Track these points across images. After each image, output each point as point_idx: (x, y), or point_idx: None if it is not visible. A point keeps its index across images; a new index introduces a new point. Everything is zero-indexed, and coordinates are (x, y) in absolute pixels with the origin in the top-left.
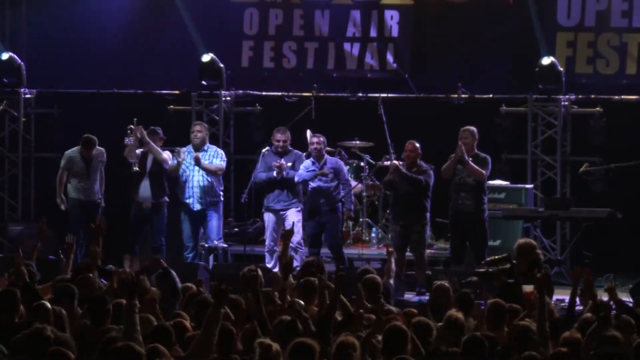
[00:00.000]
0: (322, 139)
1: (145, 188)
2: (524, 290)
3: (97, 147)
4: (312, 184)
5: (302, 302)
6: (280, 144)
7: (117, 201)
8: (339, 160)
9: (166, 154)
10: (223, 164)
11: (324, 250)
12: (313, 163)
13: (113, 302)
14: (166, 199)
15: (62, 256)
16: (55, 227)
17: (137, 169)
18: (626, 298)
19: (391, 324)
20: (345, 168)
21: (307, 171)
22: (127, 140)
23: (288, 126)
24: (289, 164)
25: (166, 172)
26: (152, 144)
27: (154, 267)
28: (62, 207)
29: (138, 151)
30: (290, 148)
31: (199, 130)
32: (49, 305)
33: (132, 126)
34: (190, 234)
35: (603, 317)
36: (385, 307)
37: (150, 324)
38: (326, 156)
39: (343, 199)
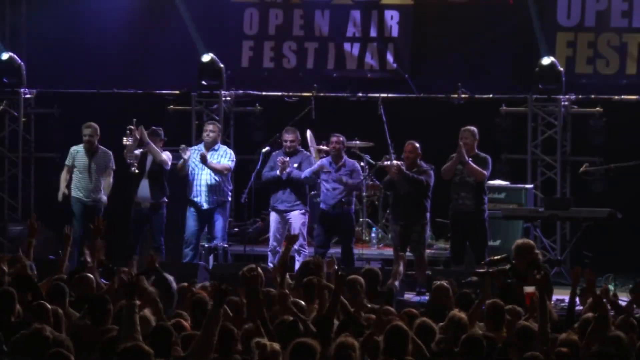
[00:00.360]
0: (341, 138)
1: (144, 188)
2: (526, 291)
3: (104, 147)
4: (326, 185)
5: (302, 303)
6: (288, 144)
7: (117, 201)
8: (356, 163)
9: (165, 155)
10: (231, 164)
11: (330, 251)
12: (330, 163)
13: (115, 303)
14: (165, 199)
15: (60, 251)
16: (56, 227)
17: (135, 169)
18: (626, 298)
19: (392, 324)
20: (362, 175)
21: (323, 171)
22: (125, 140)
23: (289, 126)
24: (295, 165)
25: (166, 172)
26: (152, 144)
27: (151, 270)
28: (60, 197)
29: (137, 151)
30: (300, 149)
31: (211, 130)
32: (48, 305)
33: (131, 127)
34: (194, 231)
35: (601, 317)
36: (367, 306)
37: (150, 324)
38: (345, 157)
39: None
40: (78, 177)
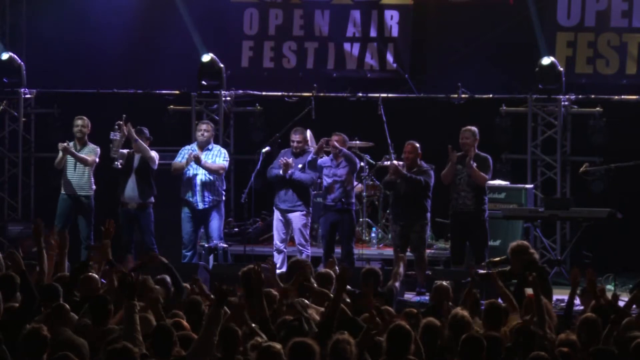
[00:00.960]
0: (343, 136)
1: (131, 187)
2: (527, 293)
3: (92, 144)
4: (327, 180)
5: (306, 301)
6: (295, 144)
7: (105, 201)
8: (356, 158)
9: (153, 153)
10: (225, 164)
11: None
12: (332, 160)
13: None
14: (152, 199)
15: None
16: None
17: (119, 165)
18: (627, 298)
19: (395, 324)
20: (357, 167)
21: (324, 166)
22: (113, 135)
23: (288, 126)
24: (300, 166)
25: (153, 171)
26: (140, 141)
27: (154, 266)
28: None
29: (124, 150)
30: (309, 149)
31: (206, 130)
32: (67, 306)
33: (120, 122)
34: (191, 232)
35: (615, 321)
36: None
37: (150, 324)
38: (344, 152)
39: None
40: (66, 173)
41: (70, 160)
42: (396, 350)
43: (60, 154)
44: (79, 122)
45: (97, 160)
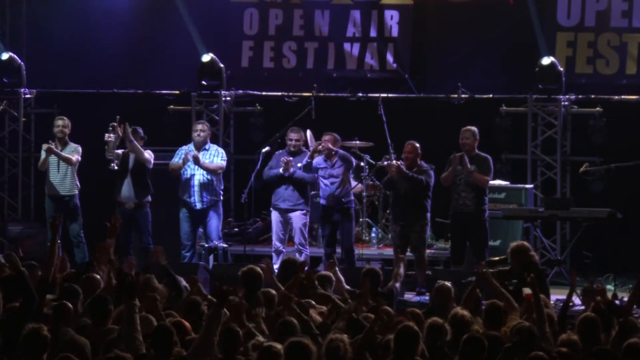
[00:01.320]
0: (334, 136)
1: (127, 187)
2: (525, 293)
3: (73, 143)
4: (324, 181)
5: (311, 301)
6: (293, 142)
7: (102, 201)
8: (346, 153)
9: (147, 154)
10: (223, 163)
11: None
12: (325, 160)
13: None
14: (149, 198)
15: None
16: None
17: (115, 167)
18: (627, 298)
19: (403, 324)
20: (353, 165)
21: (319, 167)
22: (107, 137)
23: (288, 126)
24: (299, 165)
25: (149, 171)
26: (135, 142)
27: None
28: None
29: (119, 151)
30: (304, 149)
31: (202, 130)
32: (70, 305)
33: (114, 123)
34: (189, 232)
35: (623, 322)
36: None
37: (151, 324)
38: (340, 152)
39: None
40: (49, 174)
41: (53, 161)
42: (403, 351)
43: (44, 155)
44: (60, 122)
45: (80, 158)
